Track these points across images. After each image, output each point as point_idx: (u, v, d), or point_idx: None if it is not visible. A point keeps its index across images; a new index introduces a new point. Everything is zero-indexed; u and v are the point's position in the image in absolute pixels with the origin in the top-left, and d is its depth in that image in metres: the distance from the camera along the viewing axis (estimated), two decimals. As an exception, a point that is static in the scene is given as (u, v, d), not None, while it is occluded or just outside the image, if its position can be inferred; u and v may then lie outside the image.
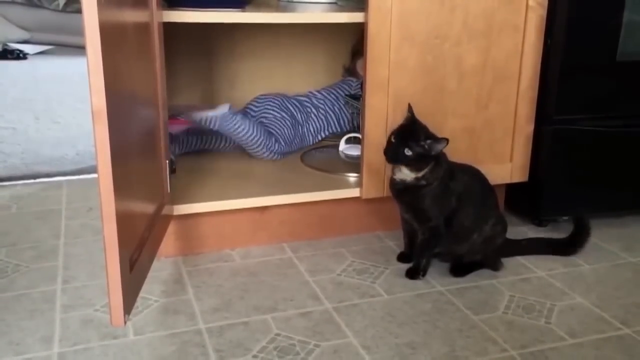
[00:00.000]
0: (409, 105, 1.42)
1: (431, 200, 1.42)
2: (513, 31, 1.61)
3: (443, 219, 1.44)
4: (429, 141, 1.37)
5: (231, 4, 1.51)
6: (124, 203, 1.06)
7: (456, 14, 1.56)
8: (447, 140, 1.37)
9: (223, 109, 1.72)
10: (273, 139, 1.81)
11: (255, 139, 1.76)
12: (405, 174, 1.41)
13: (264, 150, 1.79)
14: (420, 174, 1.40)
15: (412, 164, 1.38)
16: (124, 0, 1.10)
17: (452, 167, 1.45)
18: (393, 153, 1.39)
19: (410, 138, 1.37)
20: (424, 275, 1.48)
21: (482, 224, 1.47)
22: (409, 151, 1.36)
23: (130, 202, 1.13)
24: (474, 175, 1.50)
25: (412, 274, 1.49)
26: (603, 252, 1.66)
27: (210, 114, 1.71)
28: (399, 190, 1.44)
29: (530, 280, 1.50)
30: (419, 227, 1.47)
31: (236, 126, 1.73)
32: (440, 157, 1.41)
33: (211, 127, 1.73)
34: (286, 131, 1.86)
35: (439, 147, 1.37)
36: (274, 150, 1.81)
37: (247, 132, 1.75)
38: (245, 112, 1.89)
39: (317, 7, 1.79)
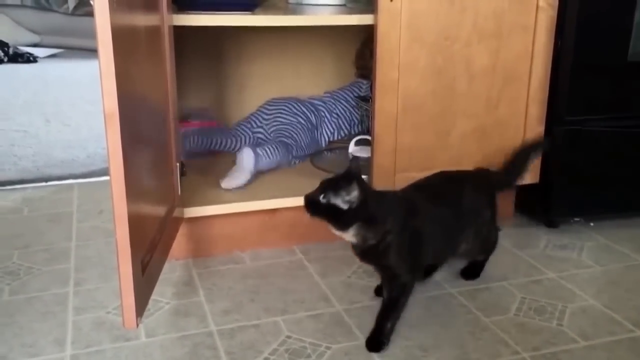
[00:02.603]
0: (355, 158, 1.28)
1: (396, 256, 1.21)
2: (523, 32, 1.61)
3: (417, 272, 1.28)
4: (343, 187, 1.14)
5: (240, 7, 1.52)
6: (135, 206, 1.06)
7: (466, 15, 1.55)
8: (357, 191, 1.14)
9: (246, 155, 1.64)
10: (292, 150, 1.81)
11: (282, 162, 1.76)
12: (347, 237, 1.20)
13: (288, 163, 1.79)
14: (354, 233, 1.18)
15: (332, 220, 1.17)
16: (135, 4, 1.11)
17: (412, 206, 1.24)
18: (309, 198, 1.18)
19: (332, 184, 1.16)
20: (388, 343, 1.22)
21: (466, 234, 1.34)
22: (324, 198, 1.15)
23: (142, 205, 1.13)
24: (447, 188, 1.33)
25: (373, 345, 1.21)
26: (615, 253, 1.65)
27: (243, 177, 1.63)
28: (358, 254, 1.24)
29: (542, 282, 1.49)
30: (387, 284, 1.26)
31: (267, 164, 1.70)
32: (381, 212, 1.19)
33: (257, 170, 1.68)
34: (303, 136, 1.86)
35: (349, 196, 1.14)
36: (294, 157, 1.82)
37: (275, 162, 1.72)
38: (256, 124, 1.89)
39: (326, 9, 1.79)
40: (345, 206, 1.14)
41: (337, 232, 1.19)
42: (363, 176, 1.69)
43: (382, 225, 1.18)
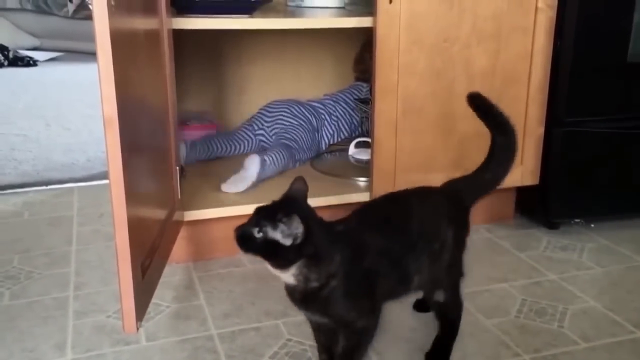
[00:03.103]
0: (299, 178, 1.05)
1: (344, 303, 1.01)
2: (522, 33, 1.61)
3: (376, 312, 1.07)
4: (284, 220, 0.94)
5: (239, 10, 1.52)
6: (135, 210, 1.06)
7: (465, 16, 1.55)
8: (301, 226, 0.94)
9: (254, 169, 1.62)
10: (295, 153, 1.81)
11: (287, 166, 1.75)
12: (285, 277, 1.01)
13: (291, 166, 1.79)
14: (295, 273, 0.98)
15: (271, 258, 0.98)
16: (134, 8, 1.11)
17: (359, 241, 1.04)
18: (241, 232, 0.97)
19: (270, 215, 0.96)
20: None
21: (420, 264, 1.10)
22: (259, 232, 0.95)
23: (142, 209, 1.13)
24: (393, 212, 1.12)
25: None
26: (615, 254, 1.65)
27: (248, 181, 1.62)
28: (297, 300, 1.03)
29: (542, 283, 1.49)
30: (342, 331, 1.07)
31: (272, 170, 1.69)
32: (328, 248, 0.99)
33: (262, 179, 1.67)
34: (305, 138, 1.86)
35: (291, 230, 0.94)
36: (297, 160, 1.82)
37: (281, 167, 1.72)
38: (258, 126, 1.89)
39: (325, 11, 1.80)
40: (287, 241, 0.95)
41: (275, 272, 1.00)
42: (364, 179, 1.72)
43: (327, 265, 0.99)
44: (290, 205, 1.00)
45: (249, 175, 1.62)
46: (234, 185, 1.62)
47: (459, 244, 1.16)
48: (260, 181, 1.66)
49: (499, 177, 1.23)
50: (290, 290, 1.03)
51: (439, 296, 1.17)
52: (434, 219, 1.12)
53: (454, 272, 1.18)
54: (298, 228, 0.94)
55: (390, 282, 1.07)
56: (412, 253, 1.08)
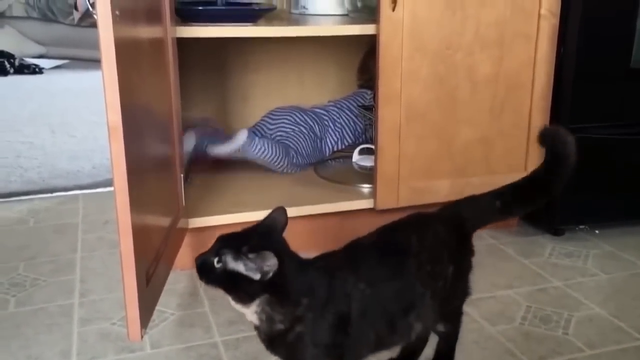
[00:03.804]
0: (280, 208, 1.00)
1: (313, 351, 0.92)
2: (525, 40, 1.61)
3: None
4: (251, 255, 0.88)
5: (243, 18, 1.53)
6: (140, 217, 1.07)
7: (468, 24, 1.56)
8: (274, 258, 0.86)
9: (242, 136, 1.71)
10: (292, 154, 1.82)
11: (277, 159, 1.77)
12: (248, 315, 0.94)
13: (285, 165, 1.80)
14: (257, 310, 0.91)
15: (231, 291, 0.91)
16: (138, 17, 1.12)
17: (336, 282, 0.94)
18: (201, 261, 0.91)
19: (232, 244, 0.90)
20: None
21: (420, 307, 0.99)
22: (219, 262, 0.89)
23: (147, 216, 1.14)
24: (391, 250, 1.01)
25: None
26: (621, 261, 1.64)
27: (233, 146, 1.70)
28: (265, 342, 0.95)
29: (547, 290, 1.48)
30: None
31: (260, 151, 1.74)
32: (296, 287, 0.91)
33: (240, 156, 1.74)
34: (305, 145, 1.87)
35: (262, 265, 0.87)
36: (294, 164, 1.82)
37: (269, 154, 1.76)
38: (261, 133, 1.90)
39: (329, 19, 1.80)
40: (256, 275, 0.88)
41: (237, 307, 0.93)
42: (368, 185, 1.72)
43: (293, 307, 0.90)
44: (262, 236, 0.93)
45: (235, 143, 1.71)
46: (217, 149, 1.72)
47: (464, 273, 1.07)
48: (245, 156, 1.74)
49: (512, 212, 1.10)
50: (257, 331, 0.95)
51: (441, 327, 1.10)
52: (435, 254, 1.01)
53: (458, 302, 1.09)
54: (271, 263, 0.86)
55: (380, 331, 0.97)
56: (408, 297, 0.97)
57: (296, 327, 0.91)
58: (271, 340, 0.94)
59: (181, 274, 1.56)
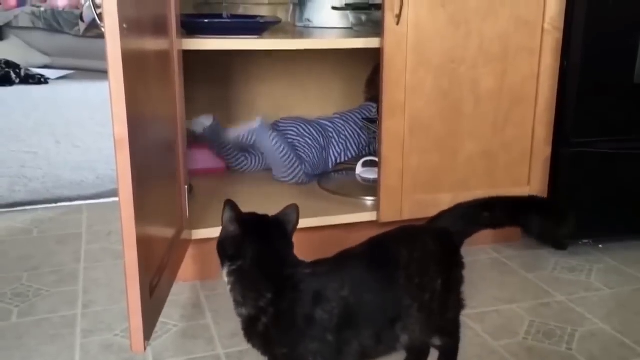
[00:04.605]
0: (294, 205, 1.09)
1: (282, 343, 0.95)
2: (529, 54, 1.62)
3: None
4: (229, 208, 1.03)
5: (248, 31, 1.54)
6: (144, 229, 1.07)
7: (471, 38, 1.56)
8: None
9: (257, 121, 1.80)
10: (301, 161, 1.83)
11: (287, 156, 1.80)
12: (224, 278, 1.03)
13: (292, 170, 1.81)
14: (228, 280, 1.01)
15: (220, 240, 1.04)
16: (145, 30, 1.13)
17: (318, 287, 0.96)
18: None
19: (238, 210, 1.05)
20: None
21: (406, 320, 1.00)
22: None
23: (151, 228, 1.14)
24: (379, 261, 1.01)
25: None
26: (624, 275, 1.64)
27: (248, 128, 1.80)
28: (243, 330, 1.01)
29: (551, 305, 1.48)
30: None
31: (273, 141, 1.79)
32: (261, 277, 0.97)
33: (248, 141, 1.82)
34: (311, 156, 1.88)
35: (224, 213, 1.02)
36: (303, 173, 1.83)
37: (280, 148, 1.79)
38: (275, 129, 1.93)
39: (333, 32, 1.81)
40: (231, 228, 1.01)
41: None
42: (371, 198, 1.72)
43: (256, 296, 0.96)
44: (260, 216, 1.06)
45: (248, 127, 1.82)
46: (233, 129, 1.85)
47: (454, 286, 1.07)
48: (259, 144, 1.84)
49: (499, 223, 1.12)
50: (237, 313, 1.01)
51: (437, 341, 1.09)
52: (423, 267, 1.01)
53: (452, 315, 1.09)
54: (227, 212, 1.00)
55: (364, 341, 0.97)
56: (395, 308, 0.98)
57: (262, 317, 0.96)
58: (246, 328, 0.99)
59: (184, 286, 1.56)
